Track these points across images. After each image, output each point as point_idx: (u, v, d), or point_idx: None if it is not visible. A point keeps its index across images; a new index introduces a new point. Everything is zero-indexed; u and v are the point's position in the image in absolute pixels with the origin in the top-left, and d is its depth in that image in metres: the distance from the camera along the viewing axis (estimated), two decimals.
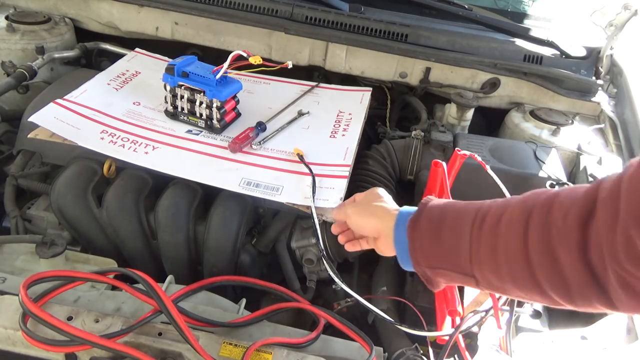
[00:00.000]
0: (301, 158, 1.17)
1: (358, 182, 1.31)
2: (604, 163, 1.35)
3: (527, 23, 1.80)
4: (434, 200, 0.83)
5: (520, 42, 1.63)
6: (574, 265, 0.62)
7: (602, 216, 0.60)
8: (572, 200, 0.64)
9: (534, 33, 1.65)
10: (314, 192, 1.09)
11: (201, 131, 1.27)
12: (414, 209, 0.84)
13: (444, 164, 1.10)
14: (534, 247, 0.66)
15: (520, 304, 1.05)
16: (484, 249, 0.72)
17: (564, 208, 0.64)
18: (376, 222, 0.88)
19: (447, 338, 0.95)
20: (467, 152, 1.13)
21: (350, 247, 0.99)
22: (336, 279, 1.00)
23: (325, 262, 1.03)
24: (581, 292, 0.64)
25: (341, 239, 1.00)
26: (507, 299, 1.01)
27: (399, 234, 0.83)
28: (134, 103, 1.35)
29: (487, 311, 0.99)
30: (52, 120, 1.21)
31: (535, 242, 0.66)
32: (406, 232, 0.81)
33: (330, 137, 1.30)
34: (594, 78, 1.62)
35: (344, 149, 1.25)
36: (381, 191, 0.95)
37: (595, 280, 0.61)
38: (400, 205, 0.91)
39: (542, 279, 0.66)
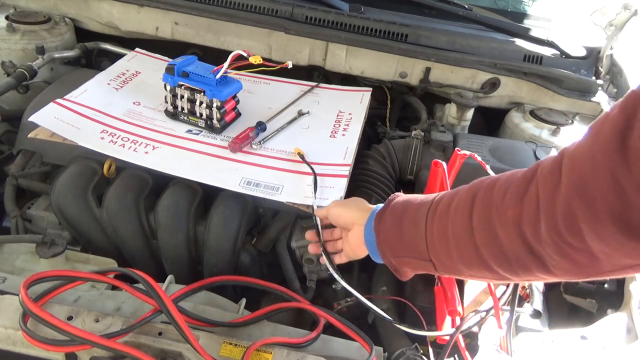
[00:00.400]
0: (302, 157, 1.18)
1: (358, 182, 1.31)
2: None
3: (527, 23, 1.80)
4: (400, 196, 0.90)
5: (520, 42, 1.63)
6: (511, 239, 0.68)
7: (541, 191, 0.64)
8: (510, 182, 0.70)
9: (534, 33, 1.65)
10: (315, 189, 1.09)
11: (201, 131, 1.27)
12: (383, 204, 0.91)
13: (444, 164, 1.10)
14: (477, 227, 0.72)
15: (520, 304, 1.05)
16: (436, 234, 0.79)
17: (503, 188, 0.70)
18: (352, 212, 0.96)
19: (447, 338, 0.95)
20: (467, 152, 1.13)
21: (323, 260, 1.04)
22: (335, 275, 1.00)
23: (324, 255, 1.03)
24: (520, 264, 0.69)
25: (311, 249, 1.07)
26: (508, 298, 1.01)
27: (368, 227, 0.91)
28: (134, 103, 1.35)
29: (487, 311, 0.99)
30: (52, 120, 1.21)
31: (478, 222, 0.72)
32: (373, 225, 0.89)
33: (330, 137, 1.31)
34: (594, 78, 1.62)
35: (344, 148, 1.25)
36: (361, 199, 1.02)
37: (530, 250, 0.67)
38: None
39: (486, 256, 0.72)
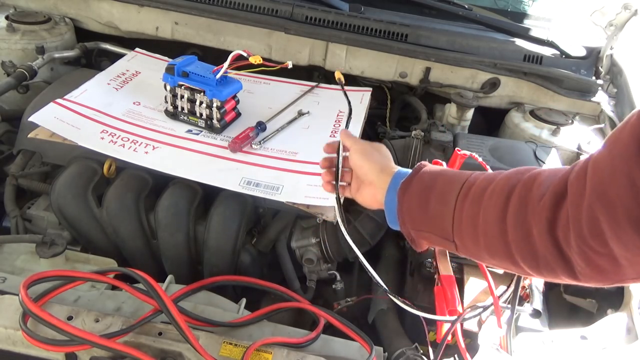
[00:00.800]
0: (340, 82, 1.14)
1: None
2: None
3: (527, 23, 1.80)
4: (427, 165, 0.87)
5: (520, 42, 1.63)
6: (543, 240, 0.67)
7: (570, 197, 0.65)
8: (550, 182, 0.69)
9: (534, 33, 1.65)
10: (338, 174, 0.98)
11: (201, 131, 1.27)
12: (409, 170, 0.87)
13: (444, 163, 1.10)
14: (511, 222, 0.71)
15: (520, 304, 1.05)
16: (465, 218, 0.77)
17: (542, 189, 0.69)
18: (376, 169, 0.90)
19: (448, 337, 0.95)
20: (467, 152, 1.13)
21: (328, 187, 0.98)
22: (342, 227, 0.95)
23: (340, 220, 0.96)
24: (548, 265, 0.69)
25: (325, 177, 0.98)
26: (508, 298, 1.01)
27: (390, 193, 0.87)
28: (134, 103, 1.35)
29: (486, 307, 0.99)
30: (52, 120, 1.22)
31: (512, 217, 0.71)
32: (397, 193, 0.85)
33: (330, 136, 1.30)
34: (594, 78, 1.62)
35: None
36: (385, 149, 0.97)
37: (561, 254, 0.67)
38: None
39: (515, 252, 0.72)
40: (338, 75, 1.13)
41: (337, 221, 0.95)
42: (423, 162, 0.88)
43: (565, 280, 0.70)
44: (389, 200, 0.87)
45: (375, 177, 0.90)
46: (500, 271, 1.16)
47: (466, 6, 1.65)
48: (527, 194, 0.70)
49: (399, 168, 0.90)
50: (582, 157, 0.67)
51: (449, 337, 0.96)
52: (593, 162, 0.63)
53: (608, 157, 0.60)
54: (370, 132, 1.58)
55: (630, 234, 0.58)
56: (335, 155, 0.98)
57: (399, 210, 0.85)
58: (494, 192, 0.74)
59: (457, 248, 0.80)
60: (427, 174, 0.84)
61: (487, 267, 1.06)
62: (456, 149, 1.15)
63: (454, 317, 0.96)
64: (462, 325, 0.98)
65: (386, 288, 0.95)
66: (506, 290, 1.03)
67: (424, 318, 1.08)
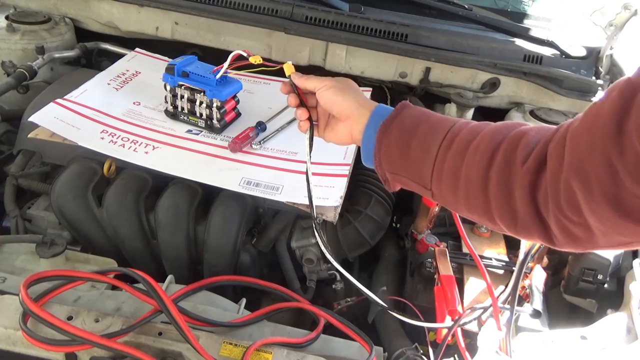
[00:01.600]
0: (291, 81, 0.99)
1: (358, 182, 1.31)
2: None
3: (527, 23, 1.79)
4: (410, 107, 0.83)
5: (520, 42, 1.63)
6: (524, 203, 0.68)
7: (549, 165, 0.66)
8: (535, 143, 0.69)
9: (534, 33, 1.65)
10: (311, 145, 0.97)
11: (201, 131, 1.27)
12: (390, 109, 0.84)
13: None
14: (493, 181, 0.71)
15: (520, 304, 1.05)
16: (447, 170, 0.76)
17: (527, 151, 0.69)
18: (353, 104, 0.87)
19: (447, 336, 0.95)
20: None
21: (304, 127, 0.94)
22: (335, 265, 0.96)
23: (324, 251, 0.96)
24: (525, 226, 0.71)
25: (292, 102, 0.94)
26: (507, 298, 1.01)
27: (368, 131, 0.84)
28: (134, 103, 1.35)
29: (485, 308, 0.99)
30: (52, 120, 1.22)
31: (495, 176, 0.71)
32: (376, 134, 0.82)
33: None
34: (594, 78, 1.62)
35: (344, 148, 1.25)
36: (356, 85, 0.93)
37: (539, 218, 0.68)
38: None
39: (494, 209, 0.72)
40: (289, 69, 0.95)
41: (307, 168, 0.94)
42: (406, 102, 0.84)
43: (538, 242, 0.72)
44: (367, 138, 0.84)
45: (354, 111, 0.86)
46: (500, 271, 1.17)
47: (466, 6, 1.65)
48: (512, 154, 0.70)
49: (378, 104, 0.86)
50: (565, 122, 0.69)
51: (449, 337, 0.96)
52: (572, 134, 0.64)
53: (587, 133, 0.61)
54: None
55: (604, 208, 0.59)
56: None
57: (376, 150, 0.83)
58: (478, 148, 0.73)
59: (433, 196, 0.80)
60: (410, 117, 0.82)
61: (483, 264, 1.06)
62: None
63: (449, 324, 0.96)
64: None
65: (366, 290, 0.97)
66: (503, 290, 1.03)
67: (424, 319, 1.08)
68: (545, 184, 0.66)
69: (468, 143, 0.75)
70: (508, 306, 1.00)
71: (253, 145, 1.23)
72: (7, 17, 1.64)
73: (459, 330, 0.97)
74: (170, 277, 1.07)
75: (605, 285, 1.10)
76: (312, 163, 1.15)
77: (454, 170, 0.75)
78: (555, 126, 0.70)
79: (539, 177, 0.67)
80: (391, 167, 0.83)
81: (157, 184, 1.22)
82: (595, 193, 0.59)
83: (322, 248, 0.93)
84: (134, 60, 1.55)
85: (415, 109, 0.83)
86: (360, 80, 1.68)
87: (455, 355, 0.97)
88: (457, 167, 0.75)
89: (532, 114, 1.56)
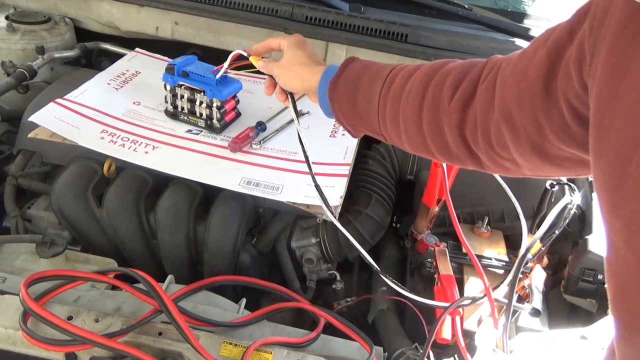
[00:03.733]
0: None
1: (358, 182, 1.31)
2: None
3: (527, 23, 1.79)
4: (355, 61, 0.88)
5: (520, 42, 1.62)
6: (454, 139, 0.75)
7: (479, 106, 0.70)
8: (459, 81, 0.74)
9: (534, 33, 1.65)
10: (312, 174, 1.00)
11: (201, 131, 1.27)
12: (336, 67, 0.89)
13: (443, 164, 1.10)
14: (426, 120, 0.77)
15: (520, 302, 1.05)
16: (388, 116, 0.82)
17: (452, 89, 0.74)
18: (301, 83, 0.94)
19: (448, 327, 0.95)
20: None
21: (281, 98, 1.02)
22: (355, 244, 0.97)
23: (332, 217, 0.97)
24: (459, 158, 0.77)
25: (267, 91, 1.03)
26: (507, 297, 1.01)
27: (321, 93, 0.89)
28: (134, 103, 1.35)
29: (481, 298, 0.99)
30: (52, 120, 1.22)
31: (426, 117, 0.77)
32: (327, 91, 0.88)
33: (330, 136, 1.30)
34: None
35: (344, 148, 1.25)
36: (300, 44, 0.97)
37: (469, 151, 0.75)
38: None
39: (432, 146, 0.79)
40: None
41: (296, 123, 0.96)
42: (352, 57, 0.89)
43: (475, 169, 0.79)
44: (321, 98, 0.90)
45: (306, 87, 0.93)
46: (500, 271, 1.17)
47: (466, 6, 1.65)
48: (439, 94, 0.75)
49: (325, 67, 0.91)
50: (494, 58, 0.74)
51: (449, 337, 0.96)
52: (501, 83, 0.68)
53: (516, 88, 0.65)
54: None
55: (530, 153, 0.66)
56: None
57: (331, 108, 0.88)
58: (410, 92, 0.78)
59: (386, 140, 0.87)
60: (353, 71, 0.87)
61: (483, 264, 1.06)
62: None
63: (447, 304, 0.97)
64: (462, 324, 0.98)
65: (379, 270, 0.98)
66: (501, 283, 1.03)
67: (424, 318, 1.08)
68: (473, 121, 0.71)
69: (402, 88, 0.80)
70: (505, 300, 1.00)
71: (253, 145, 1.23)
72: (7, 17, 1.64)
73: (459, 329, 0.97)
74: (170, 277, 1.07)
75: (605, 285, 1.10)
76: (312, 163, 1.16)
77: (393, 114, 0.81)
78: (478, 60, 0.74)
79: (465, 115, 0.72)
80: (347, 120, 0.89)
81: (157, 184, 1.22)
82: (523, 141, 0.65)
83: (348, 236, 0.96)
84: (134, 60, 1.55)
85: (359, 61, 0.88)
86: None
87: (455, 355, 0.97)
88: (395, 111, 0.81)
89: None
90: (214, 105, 1.23)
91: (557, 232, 1.03)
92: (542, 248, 1.05)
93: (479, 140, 0.72)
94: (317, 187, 0.96)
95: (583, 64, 0.55)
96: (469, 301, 0.99)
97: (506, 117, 0.66)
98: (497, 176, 1.11)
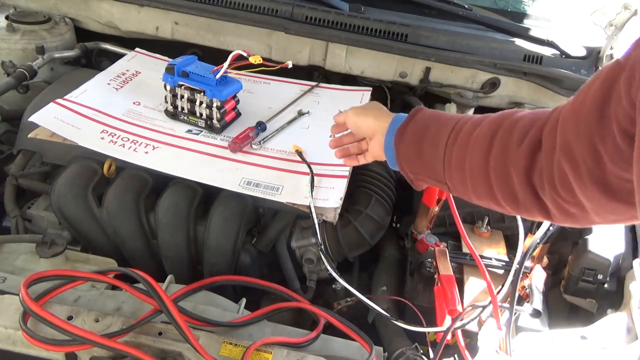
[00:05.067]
0: (300, 155, 1.18)
1: (358, 182, 1.31)
2: None
3: (527, 23, 1.79)
4: (423, 110, 0.90)
5: (520, 42, 1.63)
6: (522, 185, 0.73)
7: (544, 149, 0.70)
8: (529, 127, 0.73)
9: (534, 33, 1.65)
10: (312, 188, 1.08)
11: (201, 131, 1.27)
12: (405, 116, 0.91)
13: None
14: (493, 166, 0.76)
15: (520, 304, 1.05)
16: (454, 163, 0.82)
17: (521, 135, 0.73)
18: (373, 122, 0.96)
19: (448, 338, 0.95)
20: None
21: (348, 162, 1.07)
22: (335, 275, 1.00)
23: (323, 257, 1.04)
24: (526, 206, 0.76)
25: (338, 154, 1.08)
26: (507, 298, 1.01)
27: (388, 137, 0.91)
28: (134, 103, 1.35)
29: (484, 307, 0.99)
30: (52, 120, 1.22)
31: (494, 161, 0.76)
32: (393, 139, 0.90)
33: (330, 136, 1.30)
34: None
35: None
36: (379, 104, 1.02)
37: (537, 198, 0.73)
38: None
39: (498, 194, 0.77)
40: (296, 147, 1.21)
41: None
42: (419, 107, 0.91)
43: (540, 219, 0.78)
44: (387, 143, 0.91)
45: (375, 127, 0.95)
46: (500, 271, 1.17)
47: (466, 6, 1.65)
48: (508, 140, 0.74)
49: (396, 114, 0.94)
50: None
51: (449, 337, 0.96)
52: (562, 119, 0.68)
53: (574, 119, 0.65)
54: None
55: (592, 190, 0.64)
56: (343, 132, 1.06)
57: (396, 154, 0.90)
58: (478, 138, 0.78)
59: (450, 189, 0.86)
60: (422, 119, 0.88)
61: (485, 265, 1.06)
62: None
63: (448, 325, 0.97)
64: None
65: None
66: (501, 288, 1.03)
67: (424, 318, 1.08)
68: (540, 166, 0.70)
69: (469, 135, 0.80)
70: (507, 305, 1.00)
71: (253, 145, 1.23)
72: (7, 17, 1.64)
73: (459, 330, 0.97)
74: (170, 277, 1.07)
75: (605, 285, 1.10)
76: (311, 163, 1.16)
77: (460, 161, 0.80)
78: (549, 109, 0.73)
79: (533, 160, 0.71)
80: (410, 168, 0.89)
81: (157, 184, 1.22)
82: (583, 175, 0.64)
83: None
84: (134, 60, 1.55)
85: (427, 111, 0.90)
86: (360, 80, 1.69)
87: (455, 355, 0.97)
88: (462, 158, 0.80)
89: None
90: (214, 105, 1.23)
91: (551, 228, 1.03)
92: (537, 245, 1.05)
93: (544, 185, 0.71)
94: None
95: (632, 81, 0.56)
96: (468, 320, 1.00)
97: (566, 151, 0.66)
98: None
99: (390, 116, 0.94)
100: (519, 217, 1.08)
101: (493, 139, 0.76)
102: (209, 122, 1.26)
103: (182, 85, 1.24)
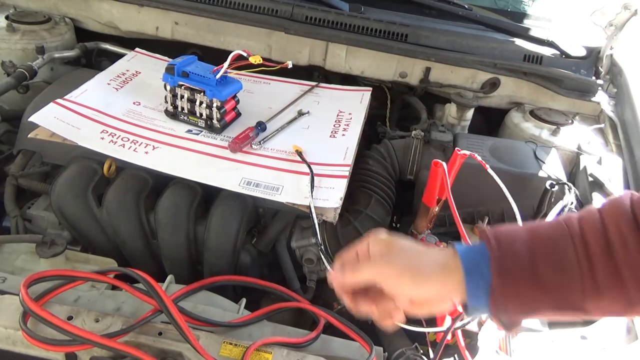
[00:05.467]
0: (300, 155, 1.17)
1: (358, 182, 1.31)
2: (604, 163, 1.35)
3: (527, 23, 1.80)
4: (499, 232, 0.68)
5: (520, 42, 1.63)
6: None
7: None
8: None
9: (534, 33, 1.65)
10: (312, 189, 1.08)
11: (201, 131, 1.27)
12: (472, 247, 0.69)
13: (444, 163, 1.10)
14: None
15: None
16: (602, 279, 0.63)
17: None
18: (438, 287, 0.69)
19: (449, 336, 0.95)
20: (467, 152, 1.13)
21: (389, 324, 0.75)
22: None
23: (323, 257, 1.04)
24: None
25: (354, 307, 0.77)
26: None
27: (472, 288, 0.67)
28: (134, 103, 1.35)
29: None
30: (52, 120, 1.22)
31: None
32: (490, 283, 0.66)
33: (330, 136, 1.30)
34: (594, 78, 1.62)
35: (344, 148, 1.25)
36: (391, 237, 0.74)
37: None
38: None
39: None
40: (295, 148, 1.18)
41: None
42: (489, 229, 0.69)
43: None
44: (473, 294, 0.67)
45: (449, 290, 0.69)
46: None
47: (466, 6, 1.65)
48: None
49: (457, 253, 0.69)
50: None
51: (449, 337, 0.96)
52: None
53: None
54: (370, 132, 1.58)
55: None
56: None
57: (494, 299, 0.66)
58: (620, 232, 0.63)
59: (589, 314, 0.67)
60: (515, 243, 0.67)
61: None
62: (456, 149, 1.15)
63: (447, 326, 0.96)
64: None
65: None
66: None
67: (424, 318, 1.08)
68: None
69: (604, 236, 0.64)
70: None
71: (253, 146, 1.23)
72: (7, 17, 1.64)
73: (459, 330, 0.97)
74: (170, 277, 1.07)
75: None
76: (311, 163, 1.16)
77: (613, 274, 0.63)
78: None
79: None
80: (525, 307, 0.67)
81: (157, 184, 1.22)
82: None
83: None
84: (134, 60, 1.55)
85: (506, 231, 0.69)
86: (361, 80, 1.69)
87: (455, 355, 0.97)
88: (614, 269, 0.63)
89: (532, 114, 1.56)
90: (214, 105, 1.23)
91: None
92: None
93: None
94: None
95: None
96: (466, 321, 0.99)
97: None
98: (495, 177, 1.11)
99: (452, 261, 0.68)
100: (518, 217, 1.08)
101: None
102: (209, 122, 1.26)
103: (182, 85, 1.24)
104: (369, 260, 0.72)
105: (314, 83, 1.55)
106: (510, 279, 0.65)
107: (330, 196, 1.10)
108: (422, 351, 1.01)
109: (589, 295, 0.64)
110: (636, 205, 0.64)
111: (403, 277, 0.69)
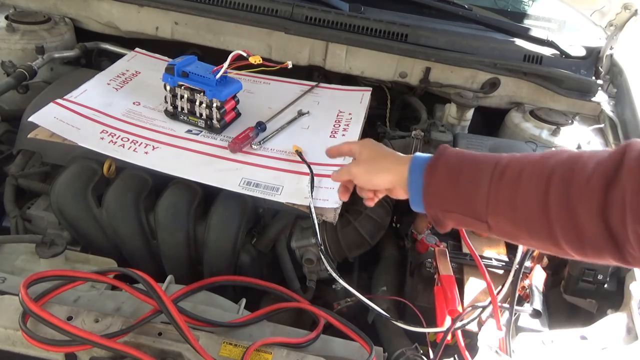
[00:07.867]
0: (300, 155, 1.17)
1: None
2: None
3: (527, 23, 1.80)
4: (449, 148, 0.86)
5: (520, 42, 1.63)
6: (593, 223, 0.67)
7: (628, 183, 0.64)
8: (597, 162, 0.68)
9: (534, 33, 1.65)
10: (312, 189, 1.09)
11: (201, 131, 1.27)
12: (428, 155, 0.86)
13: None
14: (554, 203, 0.70)
15: (520, 304, 1.05)
16: (502, 200, 0.76)
17: (587, 169, 0.68)
18: (390, 176, 0.90)
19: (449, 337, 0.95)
20: None
21: (370, 203, 0.99)
22: (335, 276, 1.00)
23: (323, 257, 1.03)
24: (595, 247, 0.69)
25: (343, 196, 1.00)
26: (507, 298, 1.01)
27: (413, 179, 0.85)
28: (134, 103, 1.35)
29: (484, 307, 0.99)
30: (52, 120, 1.22)
31: (556, 198, 0.70)
32: (422, 177, 0.84)
33: (330, 137, 1.30)
34: (594, 78, 1.62)
35: None
36: (375, 142, 0.97)
37: (611, 237, 0.67)
38: None
39: (558, 232, 0.71)
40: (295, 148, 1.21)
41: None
42: (445, 144, 0.87)
43: (610, 262, 0.71)
44: (412, 185, 0.86)
45: (395, 179, 0.89)
46: (500, 271, 1.17)
47: (466, 6, 1.65)
48: (571, 175, 0.69)
49: (413, 155, 0.88)
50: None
51: (449, 337, 0.96)
52: None
53: None
54: (370, 132, 1.58)
55: None
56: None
57: (425, 192, 0.84)
58: (532, 174, 0.74)
59: (490, 229, 0.80)
60: (455, 156, 0.83)
61: (485, 266, 1.06)
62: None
63: (447, 326, 0.96)
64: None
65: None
66: (501, 288, 1.03)
67: (424, 319, 1.08)
68: (619, 202, 0.65)
69: (520, 171, 0.75)
70: (507, 305, 1.00)
71: (253, 146, 1.23)
72: (7, 17, 1.64)
73: (458, 330, 0.97)
74: (170, 277, 1.07)
75: (605, 285, 1.10)
76: (311, 164, 1.16)
77: (510, 199, 0.75)
78: (604, 150, 0.69)
79: (608, 195, 0.66)
80: (442, 205, 0.83)
81: (157, 184, 1.22)
82: None
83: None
84: (134, 60, 1.55)
85: (454, 149, 0.85)
86: (361, 80, 1.69)
87: (455, 355, 0.97)
88: (512, 195, 0.75)
89: (532, 114, 1.56)
90: (214, 105, 1.23)
91: None
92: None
93: (627, 223, 0.65)
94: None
95: None
96: (468, 321, 0.99)
97: None
98: None
99: (405, 158, 0.88)
100: None
101: (551, 174, 0.71)
102: (208, 122, 1.26)
103: (182, 85, 1.24)
104: (350, 164, 0.96)
105: (314, 83, 1.55)
106: (435, 178, 0.83)
107: (330, 196, 1.10)
108: (422, 351, 1.01)
109: (490, 210, 0.77)
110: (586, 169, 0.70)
111: (367, 173, 0.93)
